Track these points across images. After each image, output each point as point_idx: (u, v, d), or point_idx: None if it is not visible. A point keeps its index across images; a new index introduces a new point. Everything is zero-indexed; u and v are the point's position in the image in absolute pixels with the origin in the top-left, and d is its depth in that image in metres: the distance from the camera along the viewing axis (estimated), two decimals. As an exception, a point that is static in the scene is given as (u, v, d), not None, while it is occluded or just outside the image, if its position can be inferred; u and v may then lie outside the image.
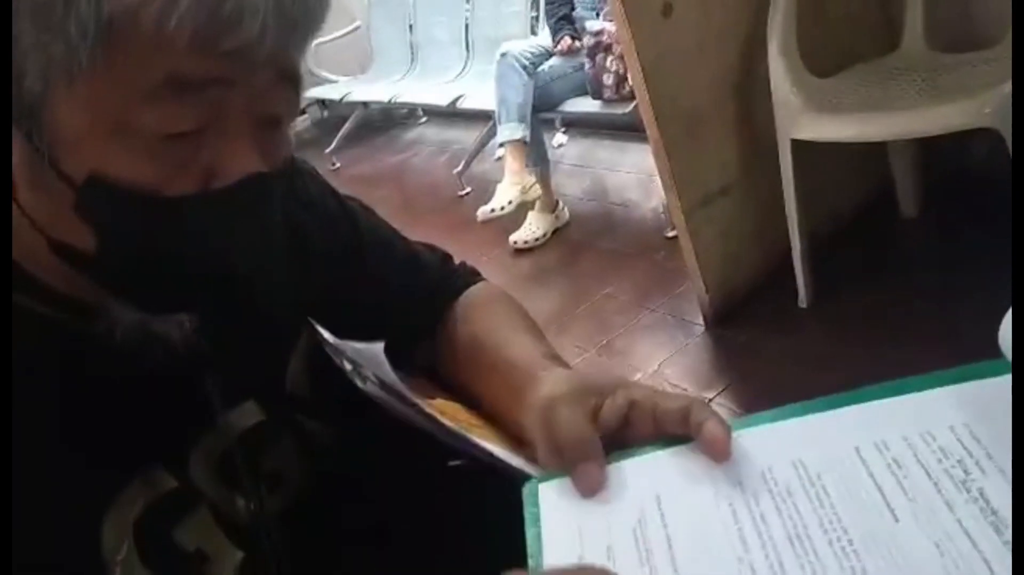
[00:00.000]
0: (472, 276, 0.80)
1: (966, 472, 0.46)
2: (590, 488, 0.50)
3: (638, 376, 2.14)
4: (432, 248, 0.79)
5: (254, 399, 0.60)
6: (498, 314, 0.74)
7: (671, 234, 2.53)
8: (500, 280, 2.63)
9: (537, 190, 2.91)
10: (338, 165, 4.42)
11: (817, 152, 1.97)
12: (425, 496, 0.64)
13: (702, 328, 2.25)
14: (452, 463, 0.60)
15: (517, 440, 0.62)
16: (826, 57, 2.09)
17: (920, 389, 0.52)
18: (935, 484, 0.45)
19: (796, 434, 0.52)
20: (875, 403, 0.52)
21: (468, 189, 3.54)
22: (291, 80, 0.51)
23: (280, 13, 0.46)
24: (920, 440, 0.48)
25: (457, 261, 0.81)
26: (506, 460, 0.58)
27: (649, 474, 0.51)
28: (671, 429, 0.53)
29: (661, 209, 2.74)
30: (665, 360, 2.19)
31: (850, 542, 0.44)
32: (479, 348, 0.70)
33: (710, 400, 1.98)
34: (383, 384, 0.58)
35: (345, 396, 0.61)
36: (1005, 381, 0.50)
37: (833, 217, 2.23)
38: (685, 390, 2.03)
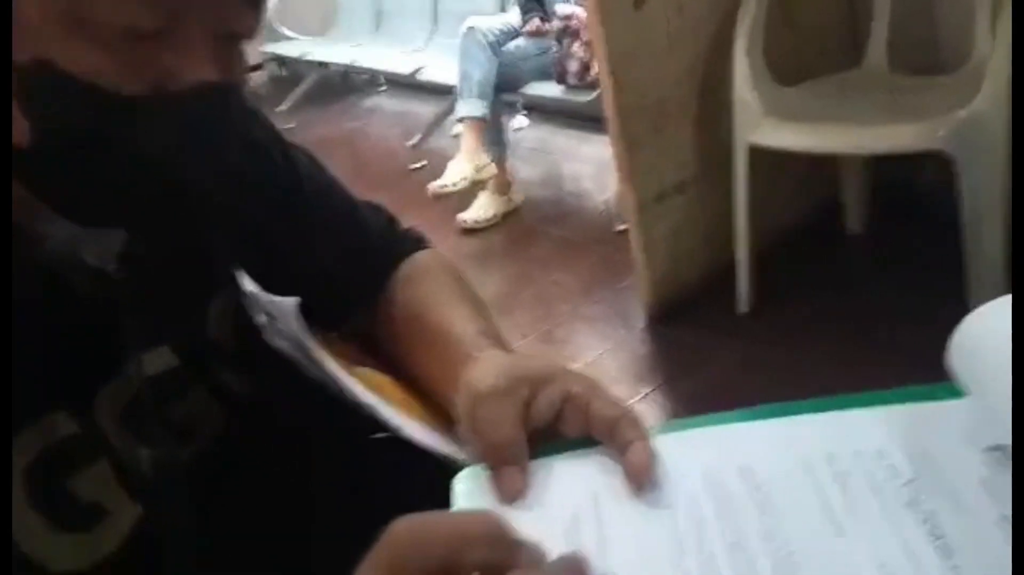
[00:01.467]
0: (418, 243, 0.76)
1: (916, 492, 0.44)
2: (509, 494, 0.48)
3: (576, 367, 2.13)
4: (378, 209, 0.76)
5: (169, 345, 0.56)
6: (441, 285, 0.71)
7: (621, 228, 2.52)
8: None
9: (491, 170, 2.88)
10: (292, 126, 4.32)
11: (771, 159, 1.99)
12: (344, 465, 0.61)
13: (643, 324, 2.26)
14: (377, 435, 0.57)
15: (449, 422, 0.60)
16: (790, 66, 2.11)
17: (876, 405, 0.50)
18: (882, 503, 0.44)
19: (745, 439, 0.50)
20: (830, 415, 0.51)
21: (422, 163, 3.48)
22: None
23: None
24: (871, 456, 0.47)
25: (404, 226, 0.77)
26: (422, 441, 0.55)
27: (587, 472, 0.49)
28: (598, 436, 0.51)
29: (613, 202, 2.73)
30: (603, 352, 2.19)
31: (790, 554, 0.42)
32: (417, 319, 0.67)
33: (644, 396, 1.99)
34: (294, 341, 0.55)
35: (266, 351, 0.57)
36: (955, 405, 0.49)
37: (780, 226, 2.25)
38: (622, 384, 2.03)
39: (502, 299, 2.49)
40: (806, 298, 2.14)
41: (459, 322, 0.65)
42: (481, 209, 2.91)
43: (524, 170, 3.30)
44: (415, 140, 3.55)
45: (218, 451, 0.58)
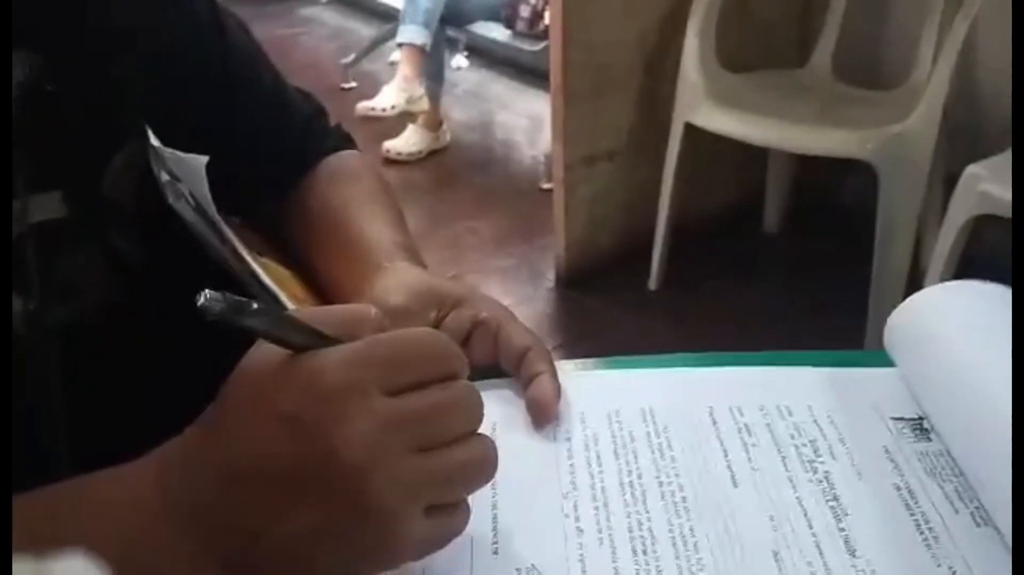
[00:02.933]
0: (344, 141, 0.71)
1: (816, 453, 0.44)
2: None
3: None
4: (309, 96, 0.70)
5: (61, 192, 0.51)
6: (361, 189, 0.67)
7: (546, 186, 2.50)
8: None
9: (424, 104, 2.81)
10: (222, 23, 4.12)
11: (704, 143, 1.99)
12: (231, 345, 0.57)
13: (552, 284, 2.25)
14: None
15: None
16: (737, 54, 2.12)
17: (787, 363, 0.50)
18: (783, 458, 0.43)
19: (652, 383, 0.49)
20: (739, 369, 0.50)
21: (353, 83, 3.37)
22: None
23: None
24: (776, 412, 0.46)
25: (333, 122, 0.72)
26: (295, 321, 0.53)
27: (489, 400, 0.47)
28: (504, 365, 0.49)
29: (542, 159, 2.71)
30: (509, 306, 2.16)
31: (683, 499, 0.41)
32: (330, 220, 0.63)
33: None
34: (197, 206, 0.50)
35: (165, 218, 0.53)
36: (877, 373, 0.49)
37: (702, 211, 2.27)
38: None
39: (416, 238, 2.43)
40: (714, 286, 2.17)
41: (375, 228, 0.61)
42: (408, 141, 2.84)
43: (457, 111, 3.23)
44: (350, 59, 3.42)
45: (99, 317, 0.53)
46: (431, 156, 2.90)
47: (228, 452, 0.35)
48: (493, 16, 2.84)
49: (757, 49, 2.22)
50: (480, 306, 0.50)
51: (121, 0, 0.45)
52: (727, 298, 2.14)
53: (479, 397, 0.38)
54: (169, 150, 0.52)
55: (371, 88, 2.97)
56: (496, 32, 2.85)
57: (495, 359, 0.50)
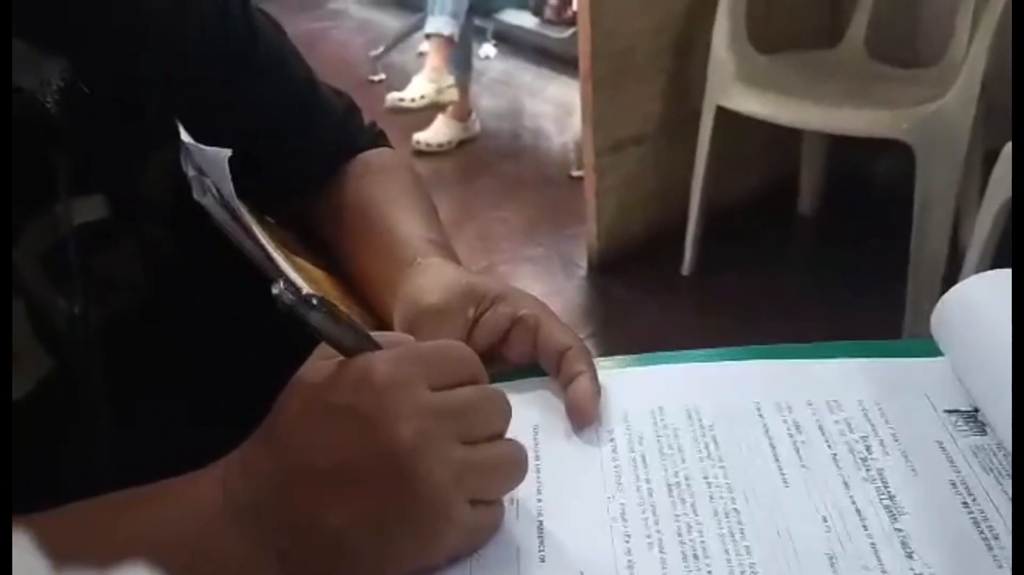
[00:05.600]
0: (377, 138, 0.71)
1: (868, 450, 0.43)
2: None
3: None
4: (341, 95, 0.70)
5: (103, 193, 0.52)
6: (394, 186, 0.67)
7: (576, 174, 2.49)
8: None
9: (453, 94, 2.79)
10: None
11: (736, 126, 1.97)
12: (262, 338, 0.57)
13: (584, 272, 2.24)
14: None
15: (383, 326, 0.56)
16: (768, 35, 2.08)
17: (833, 355, 0.48)
18: (833, 456, 0.42)
19: (695, 379, 0.48)
20: (784, 362, 0.49)
21: (382, 75, 3.37)
22: None
23: None
24: (826, 408, 0.45)
25: (366, 117, 0.72)
26: (348, 321, 0.53)
27: (528, 401, 0.47)
28: (543, 363, 0.49)
29: (571, 147, 2.69)
30: (541, 295, 2.15)
31: (732, 499, 0.40)
32: (364, 217, 0.63)
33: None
34: (223, 201, 0.51)
35: (199, 212, 0.53)
36: (925, 364, 0.47)
37: (735, 196, 2.24)
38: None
39: (446, 227, 2.43)
40: (749, 270, 2.15)
41: (407, 224, 0.61)
42: (437, 132, 2.83)
43: (486, 100, 3.22)
44: (378, 51, 3.42)
45: (139, 312, 0.54)
46: (461, 146, 2.89)
47: (286, 450, 0.37)
48: (521, 4, 2.82)
49: (789, 29, 2.18)
50: (518, 303, 0.50)
51: None
52: (762, 282, 2.12)
53: (507, 399, 0.40)
54: (195, 144, 0.52)
55: (400, 80, 2.97)
56: (524, 19, 2.84)
57: (533, 357, 0.49)
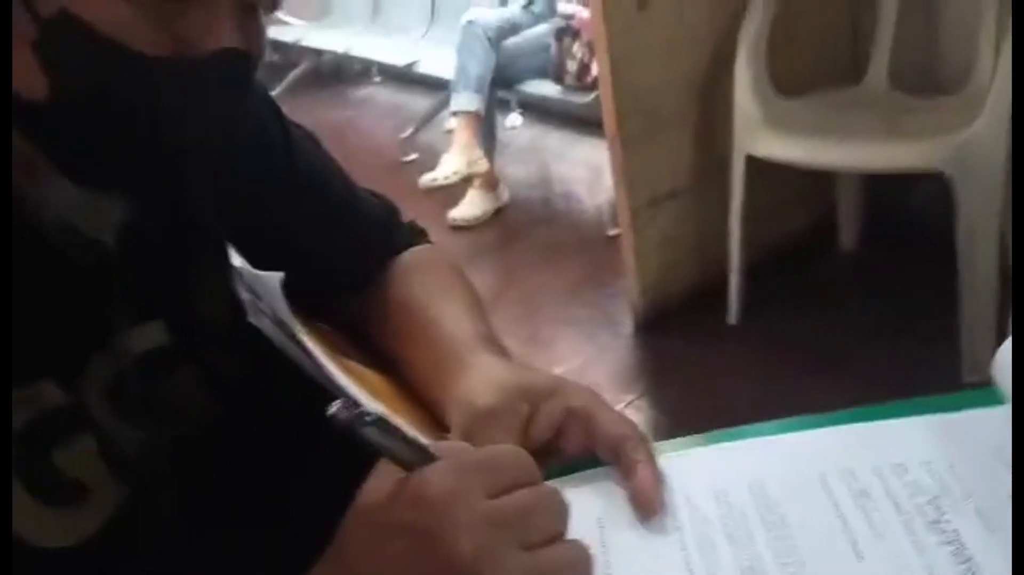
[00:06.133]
0: (417, 236, 0.73)
1: (940, 511, 0.42)
2: None
3: (560, 371, 2.11)
4: (380, 197, 0.73)
5: (162, 320, 0.54)
6: (438, 282, 0.68)
7: (612, 233, 2.50)
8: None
9: (484, 164, 2.85)
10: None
11: (768, 171, 1.97)
12: (327, 454, 0.59)
13: (630, 331, 2.23)
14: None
15: (438, 423, 0.57)
16: (790, 79, 2.10)
17: (894, 416, 0.48)
18: (905, 522, 0.42)
19: (756, 454, 0.48)
20: (844, 428, 0.48)
21: (413, 155, 3.45)
22: None
23: None
24: (891, 471, 0.45)
25: (406, 218, 0.74)
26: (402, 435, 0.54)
27: (590, 497, 0.47)
28: (600, 454, 0.49)
29: (606, 206, 2.71)
30: (588, 357, 2.16)
31: (808, 578, 0.40)
32: (410, 315, 0.65)
33: (628, 403, 1.96)
34: (278, 321, 0.53)
35: (256, 333, 0.55)
36: (991, 414, 0.47)
37: (774, 239, 2.23)
38: (607, 391, 2.00)
39: (488, 298, 2.43)
40: (796, 312, 2.13)
41: (453, 321, 0.62)
42: (471, 206, 2.87)
43: (515, 168, 3.27)
44: (407, 133, 3.50)
45: (205, 435, 0.55)
46: (494, 217, 2.93)
47: (356, 572, 0.38)
48: (542, 74, 2.87)
49: (809, 72, 2.19)
50: (569, 396, 0.50)
51: (194, 124, 0.47)
52: (810, 325, 2.09)
53: (563, 499, 0.41)
54: (247, 269, 0.54)
55: (431, 158, 3.04)
56: (546, 88, 2.88)
57: (589, 449, 0.49)
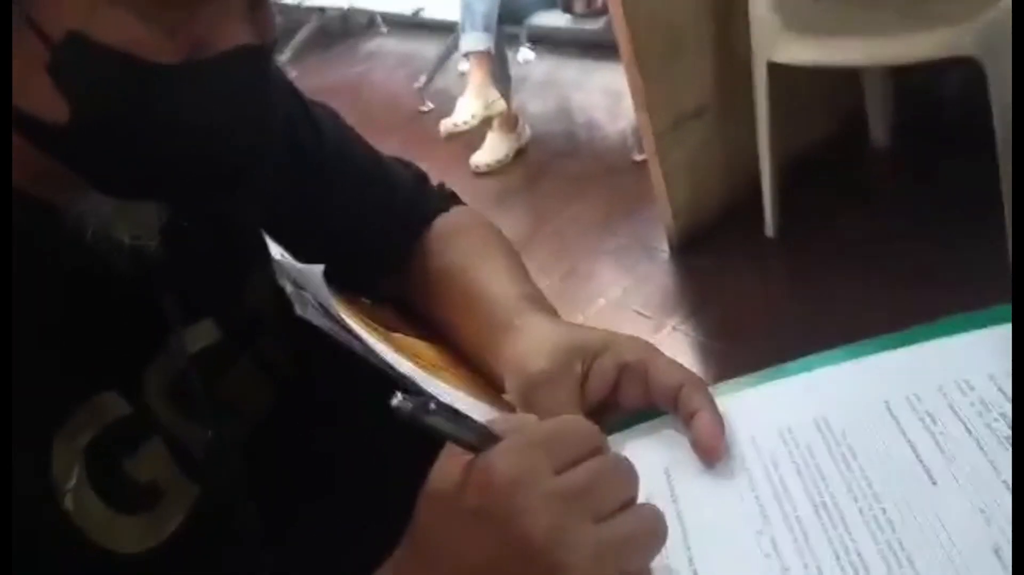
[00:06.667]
0: (448, 200, 0.73)
1: (1010, 426, 0.41)
2: None
3: (601, 302, 2.11)
4: (407, 165, 0.72)
5: (212, 318, 0.54)
6: (475, 245, 0.68)
7: (639, 158, 2.47)
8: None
9: (501, 104, 2.81)
10: (294, 75, 4.22)
11: (792, 77, 1.92)
12: (383, 426, 0.60)
13: (667, 254, 2.22)
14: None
15: (494, 385, 0.58)
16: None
17: (950, 333, 0.47)
18: (977, 441, 0.41)
19: (816, 387, 0.47)
20: (901, 351, 0.48)
21: (430, 106, 3.41)
22: None
23: None
24: (957, 390, 0.44)
25: (435, 182, 0.74)
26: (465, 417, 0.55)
27: (655, 448, 0.47)
28: (659, 404, 0.49)
29: (629, 131, 2.67)
30: (629, 286, 2.15)
31: (883, 511, 0.40)
32: (452, 283, 0.65)
33: (672, 328, 1.96)
34: (324, 311, 0.53)
35: (303, 320, 0.55)
36: None
37: (804, 146, 2.19)
38: (649, 317, 2.00)
39: (521, 239, 2.45)
40: (834, 217, 2.09)
41: (496, 283, 0.63)
42: (493, 150, 2.84)
43: (533, 104, 3.22)
44: (421, 81, 3.46)
45: (269, 425, 0.57)
46: (517, 156, 2.90)
47: (437, 561, 0.39)
48: (550, 4, 2.81)
49: (824, -33, 2.11)
50: (622, 350, 0.51)
51: (219, 126, 0.46)
52: (848, 229, 2.06)
53: (630, 464, 0.41)
54: (289, 262, 0.54)
55: (449, 105, 3.00)
56: (556, 19, 2.82)
57: (648, 401, 0.50)
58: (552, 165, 2.86)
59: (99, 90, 0.43)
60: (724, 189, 2.20)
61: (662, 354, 0.51)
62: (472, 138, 2.85)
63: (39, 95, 0.42)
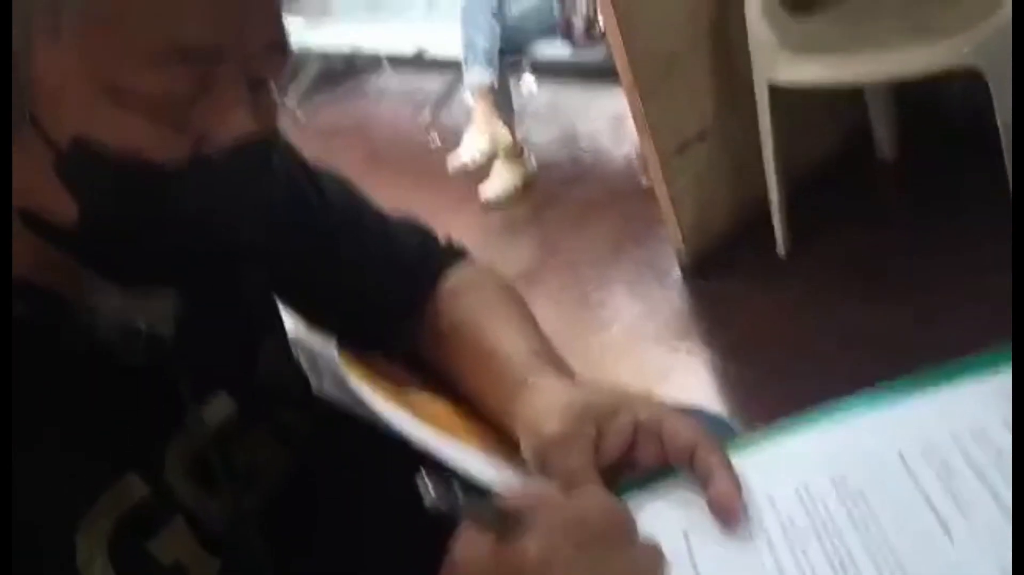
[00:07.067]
0: (456, 256, 0.73)
1: None
2: None
3: (615, 329, 2.10)
4: (413, 223, 0.73)
5: (226, 390, 0.55)
6: (485, 302, 0.68)
7: (646, 183, 2.47)
8: (473, 236, 2.54)
9: (507, 136, 2.82)
10: (303, 120, 4.25)
11: (794, 95, 1.92)
12: (401, 495, 0.60)
13: (679, 278, 2.21)
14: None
15: (508, 441, 0.58)
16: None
17: (962, 375, 0.47)
18: (993, 494, 0.41)
19: (831, 443, 0.47)
20: (917, 397, 0.47)
21: (437, 143, 3.42)
22: (281, 45, 0.48)
23: None
24: (970, 438, 0.43)
25: (443, 238, 0.74)
26: (478, 479, 0.54)
27: (672, 509, 0.47)
28: (675, 464, 0.49)
29: (634, 156, 2.67)
30: (642, 311, 2.15)
31: (901, 567, 0.39)
32: (463, 341, 0.65)
33: (686, 351, 1.95)
34: (343, 389, 0.54)
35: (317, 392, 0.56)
36: None
37: (810, 162, 2.19)
38: (663, 342, 1.99)
39: (532, 269, 2.45)
40: (844, 235, 2.08)
41: (509, 340, 0.63)
42: (501, 181, 2.85)
43: (537, 133, 3.23)
44: (427, 117, 3.49)
45: (286, 493, 0.57)
46: (525, 186, 2.91)
47: None
48: (549, 32, 2.84)
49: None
50: (636, 409, 0.51)
51: (243, 216, 0.48)
52: (861, 244, 2.04)
53: (660, 551, 0.42)
54: (302, 340, 0.55)
55: (457, 140, 3.01)
56: (556, 49, 2.84)
57: (664, 459, 0.49)
58: (560, 193, 2.87)
59: (107, 192, 0.44)
60: (732, 210, 2.20)
61: (675, 412, 0.50)
62: (480, 171, 2.86)
63: (47, 194, 0.43)
